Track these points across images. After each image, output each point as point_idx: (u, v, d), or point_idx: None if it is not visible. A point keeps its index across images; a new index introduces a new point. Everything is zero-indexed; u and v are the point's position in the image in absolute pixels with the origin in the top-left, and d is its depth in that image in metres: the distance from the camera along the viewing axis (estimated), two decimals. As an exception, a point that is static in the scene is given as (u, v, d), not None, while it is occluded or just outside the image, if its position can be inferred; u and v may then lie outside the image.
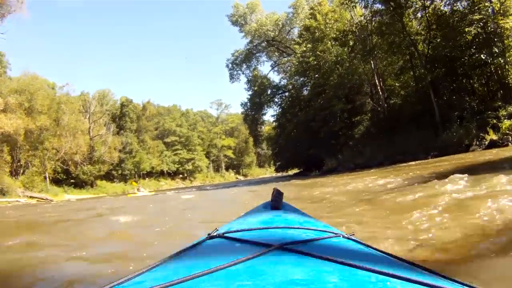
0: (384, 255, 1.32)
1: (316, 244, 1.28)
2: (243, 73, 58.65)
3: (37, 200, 41.43)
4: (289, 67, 53.56)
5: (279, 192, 2.19)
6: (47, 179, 53.71)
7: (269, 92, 53.52)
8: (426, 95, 27.91)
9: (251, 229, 1.51)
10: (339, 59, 36.87)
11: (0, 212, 22.84)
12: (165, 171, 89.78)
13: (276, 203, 2.15)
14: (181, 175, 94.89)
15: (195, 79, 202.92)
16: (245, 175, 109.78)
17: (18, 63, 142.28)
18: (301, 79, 46.12)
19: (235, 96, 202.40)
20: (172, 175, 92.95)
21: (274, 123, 57.99)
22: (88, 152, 62.75)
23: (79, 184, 60.67)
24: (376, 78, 33.41)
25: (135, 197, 33.31)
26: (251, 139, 79.59)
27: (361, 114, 35.88)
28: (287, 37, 54.94)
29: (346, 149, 34.48)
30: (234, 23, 55.99)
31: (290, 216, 1.94)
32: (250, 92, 55.62)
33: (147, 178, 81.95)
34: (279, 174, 62.94)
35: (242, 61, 57.43)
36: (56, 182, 57.12)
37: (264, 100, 53.12)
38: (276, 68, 58.52)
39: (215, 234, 1.50)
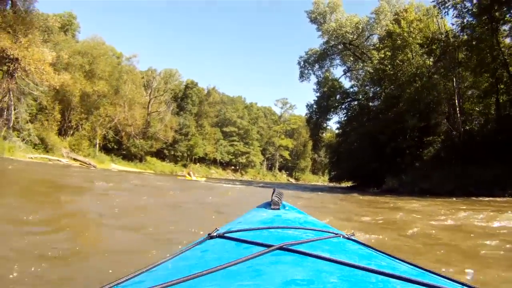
0: (384, 255, 1.31)
1: (316, 244, 1.27)
2: (314, 74, 55.96)
3: (80, 164, 42.21)
4: (362, 74, 50.79)
5: (279, 192, 2.18)
6: (97, 145, 54.24)
7: (337, 97, 50.96)
8: (510, 125, 24.88)
9: (251, 229, 1.50)
10: (418, 71, 33.98)
11: (31, 167, 22.24)
12: (218, 160, 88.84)
13: (276, 203, 2.09)
14: (233, 167, 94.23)
15: (264, 74, 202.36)
16: (297, 179, 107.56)
17: (90, 29, 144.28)
18: (374, 88, 43.36)
19: (301, 98, 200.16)
20: (225, 165, 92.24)
21: (337, 131, 55.79)
22: (143, 127, 62.98)
23: (128, 156, 61.04)
24: (456, 98, 30.37)
25: (185, 180, 32.58)
26: (309, 144, 79.44)
27: (434, 135, 32.77)
28: (365, 43, 52.08)
29: (411, 170, 31.46)
30: (313, 20, 53.26)
31: (290, 216, 1.93)
32: (318, 94, 53.14)
33: (198, 164, 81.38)
34: (332, 184, 60.99)
35: (315, 60, 54.52)
36: (107, 150, 58.11)
37: (332, 104, 50.40)
38: (348, 74, 55.40)
39: (215, 234, 1.47)
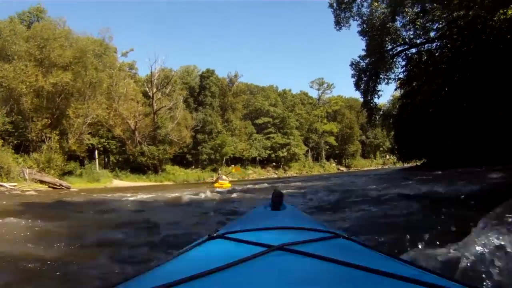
0: (384, 255, 1.33)
1: (316, 245, 1.29)
2: (353, 18, 38.64)
3: (49, 186, 31.75)
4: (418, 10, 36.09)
5: (279, 193, 2.18)
6: (96, 159, 45.54)
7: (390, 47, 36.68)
8: None
9: (251, 230, 1.53)
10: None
11: None
12: (256, 158, 76.78)
13: (276, 203, 2.11)
14: (273, 163, 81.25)
15: (295, 58, 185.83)
16: (348, 166, 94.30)
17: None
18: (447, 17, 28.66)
19: (339, 76, 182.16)
20: (265, 163, 79.97)
21: (397, 91, 43.14)
22: (150, 129, 51.49)
23: (140, 168, 49.42)
24: None
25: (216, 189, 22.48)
26: (356, 126, 74.85)
27: None
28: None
29: None
30: None
31: (290, 216, 1.95)
32: (365, 39, 38.07)
33: (232, 165, 69.08)
34: (386, 166, 48.41)
35: (352, -2, 38.20)
36: (114, 164, 49.43)
37: (387, 51, 36.22)
38: (399, 17, 39.24)
39: (215, 234, 1.49)
